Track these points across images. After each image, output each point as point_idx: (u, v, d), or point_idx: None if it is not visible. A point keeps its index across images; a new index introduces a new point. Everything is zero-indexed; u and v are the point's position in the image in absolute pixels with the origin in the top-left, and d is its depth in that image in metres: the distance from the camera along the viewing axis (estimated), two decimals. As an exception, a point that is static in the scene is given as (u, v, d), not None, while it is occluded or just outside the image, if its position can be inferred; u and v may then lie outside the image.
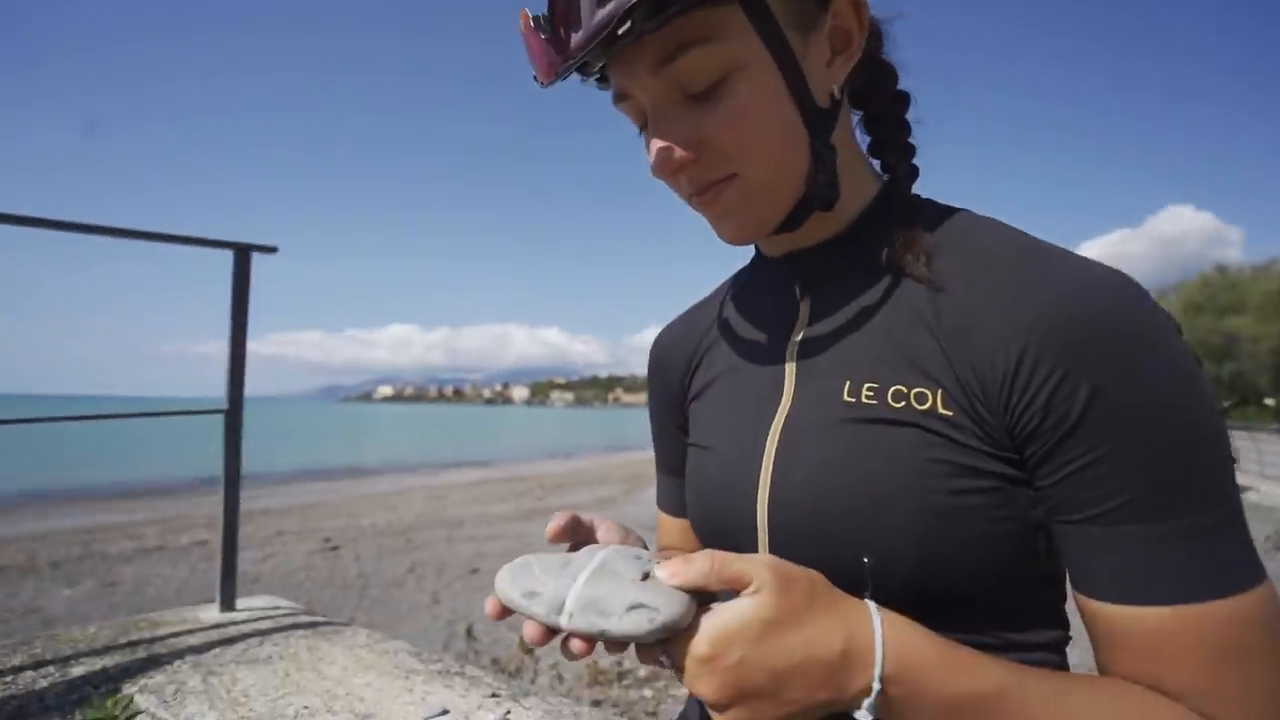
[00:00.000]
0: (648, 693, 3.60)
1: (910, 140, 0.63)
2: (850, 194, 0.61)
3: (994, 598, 0.52)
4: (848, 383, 0.56)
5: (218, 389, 1.98)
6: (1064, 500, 0.48)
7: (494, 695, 1.50)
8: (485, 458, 24.69)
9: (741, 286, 0.73)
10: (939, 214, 0.60)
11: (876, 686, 0.44)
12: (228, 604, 2.00)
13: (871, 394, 0.55)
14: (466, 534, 8.45)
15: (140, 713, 1.46)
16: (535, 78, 0.57)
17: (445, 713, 1.39)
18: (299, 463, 20.78)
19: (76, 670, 1.59)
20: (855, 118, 0.64)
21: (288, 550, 7.45)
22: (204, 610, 2.01)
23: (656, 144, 0.55)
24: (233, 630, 1.85)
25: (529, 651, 3.92)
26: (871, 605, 0.48)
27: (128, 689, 1.52)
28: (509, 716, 1.39)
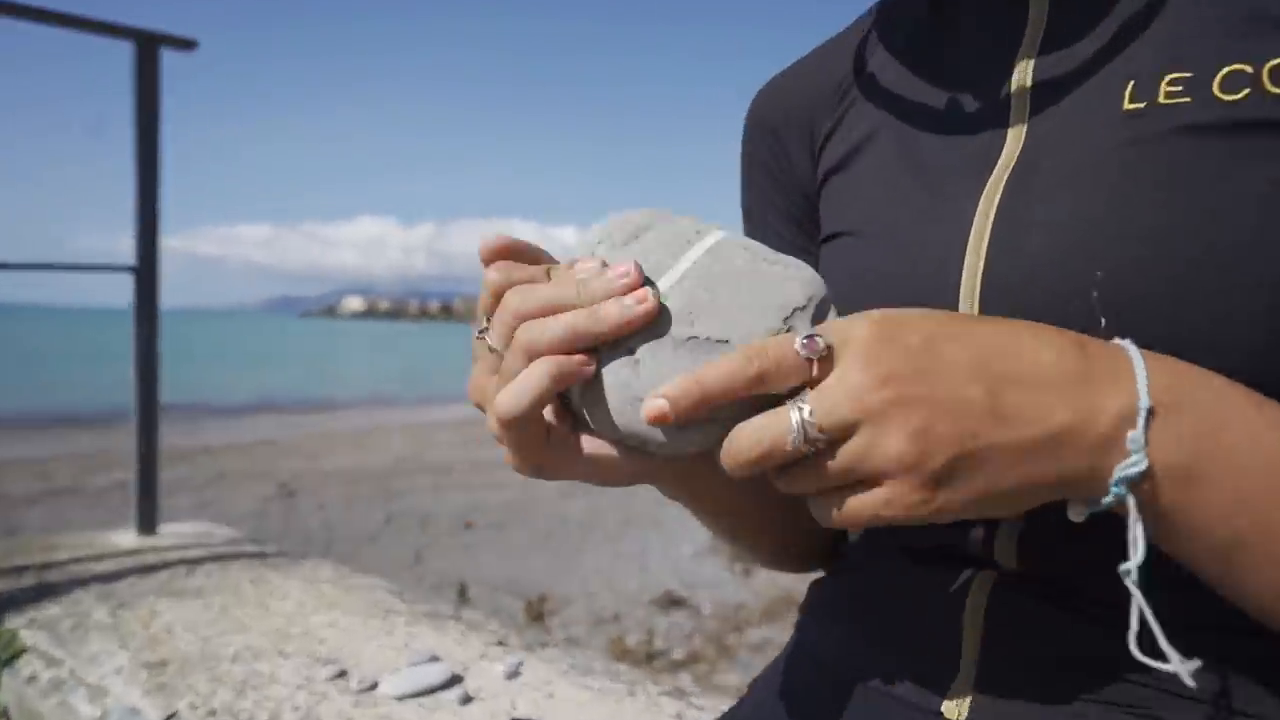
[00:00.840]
0: (685, 677, 3.63)
1: None
2: None
3: None
4: (1131, 84, 0.47)
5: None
6: None
7: (500, 644, 1.46)
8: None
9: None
10: None
11: (1143, 380, 0.37)
12: (147, 527, 2.00)
13: (1179, 88, 0.45)
14: (457, 481, 8.62)
15: (26, 650, 1.45)
16: None
17: (436, 659, 1.35)
18: (248, 393, 21.34)
19: (-57, 597, 1.59)
20: None
21: (231, 496, 7.67)
22: (116, 534, 2.01)
23: None
24: (153, 557, 1.85)
25: (538, 618, 3.97)
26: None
27: (11, 623, 1.52)
28: (522, 668, 1.34)
